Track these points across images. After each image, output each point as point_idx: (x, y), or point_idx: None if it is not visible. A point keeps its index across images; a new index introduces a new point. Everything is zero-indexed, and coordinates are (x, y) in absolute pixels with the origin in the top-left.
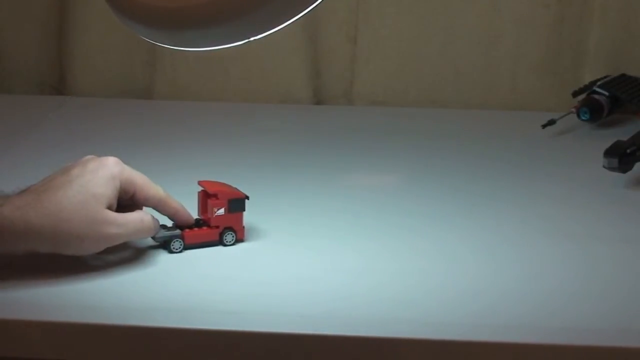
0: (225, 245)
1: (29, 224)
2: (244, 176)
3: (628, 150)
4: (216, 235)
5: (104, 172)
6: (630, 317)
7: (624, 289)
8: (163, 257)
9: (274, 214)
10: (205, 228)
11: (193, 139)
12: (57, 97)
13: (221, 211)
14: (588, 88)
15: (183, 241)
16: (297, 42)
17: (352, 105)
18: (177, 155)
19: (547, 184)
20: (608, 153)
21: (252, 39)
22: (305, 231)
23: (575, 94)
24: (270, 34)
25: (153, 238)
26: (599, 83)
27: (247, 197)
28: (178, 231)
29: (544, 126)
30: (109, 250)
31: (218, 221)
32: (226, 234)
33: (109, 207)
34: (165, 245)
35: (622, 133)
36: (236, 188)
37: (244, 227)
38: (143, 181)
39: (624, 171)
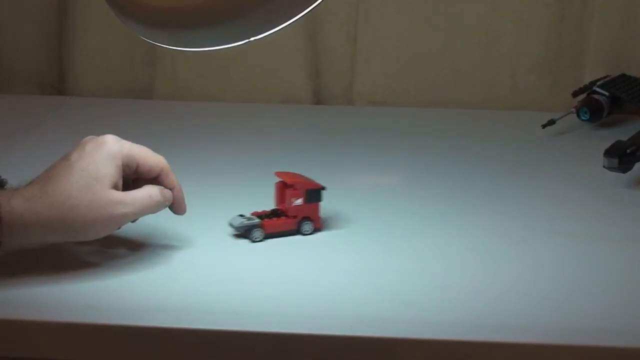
0: (303, 234)
1: (38, 216)
2: (244, 176)
3: (628, 150)
4: (294, 224)
5: (103, 152)
6: (630, 317)
7: (624, 289)
8: (163, 257)
9: None
10: (283, 218)
11: (193, 139)
12: (57, 97)
13: (299, 201)
14: (588, 88)
15: (263, 230)
16: (297, 42)
17: (352, 105)
18: (177, 155)
19: (547, 184)
20: (608, 153)
21: (252, 38)
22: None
23: (575, 94)
24: (271, 34)
25: (233, 227)
26: (599, 83)
27: (324, 188)
28: (258, 220)
29: (544, 126)
30: (109, 250)
31: (296, 211)
32: (304, 224)
33: (115, 187)
34: (246, 234)
35: (622, 133)
36: (312, 179)
37: (321, 217)
38: (144, 152)
39: (624, 171)
